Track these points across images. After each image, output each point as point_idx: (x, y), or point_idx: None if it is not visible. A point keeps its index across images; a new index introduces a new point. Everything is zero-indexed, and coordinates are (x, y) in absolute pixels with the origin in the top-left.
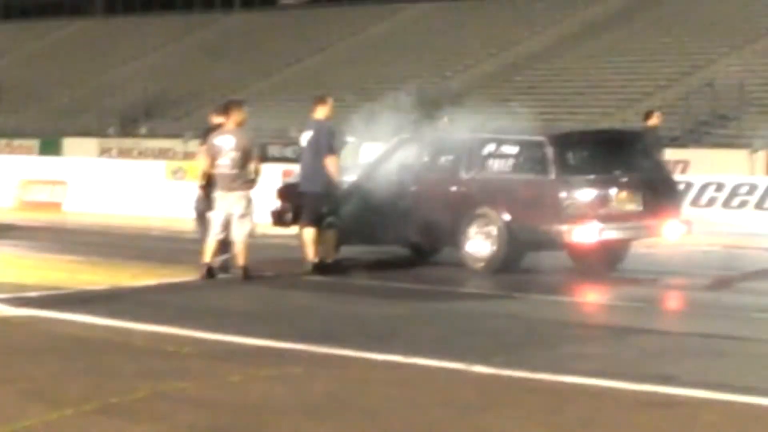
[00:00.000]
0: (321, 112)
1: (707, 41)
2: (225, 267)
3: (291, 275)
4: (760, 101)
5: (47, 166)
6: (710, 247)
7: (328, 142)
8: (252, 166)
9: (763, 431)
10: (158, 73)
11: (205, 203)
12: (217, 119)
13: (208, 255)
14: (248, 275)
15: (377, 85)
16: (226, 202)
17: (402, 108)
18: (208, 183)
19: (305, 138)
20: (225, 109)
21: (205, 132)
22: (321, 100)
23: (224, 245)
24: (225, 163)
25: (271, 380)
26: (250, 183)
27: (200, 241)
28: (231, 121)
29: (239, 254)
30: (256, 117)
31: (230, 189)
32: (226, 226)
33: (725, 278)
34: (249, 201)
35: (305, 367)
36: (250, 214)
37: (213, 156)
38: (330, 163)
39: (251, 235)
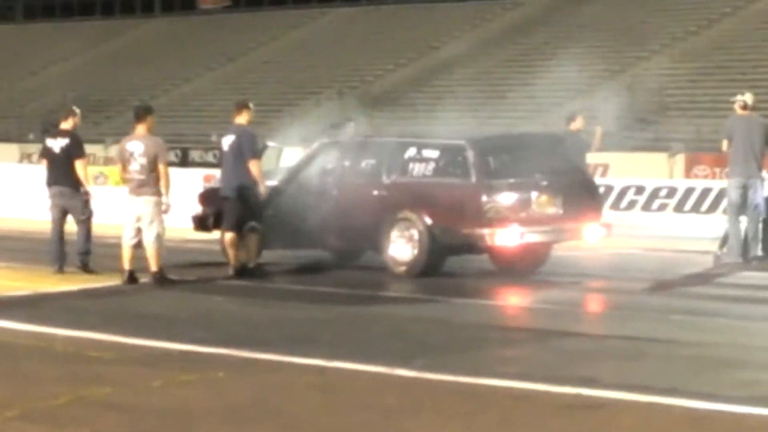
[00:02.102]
0: (243, 117)
1: (626, 46)
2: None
3: (213, 280)
4: (679, 105)
5: None
6: (630, 250)
7: (250, 147)
8: (162, 171)
9: (684, 430)
10: (79, 78)
11: None
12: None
13: (126, 261)
14: (162, 280)
15: (297, 89)
16: (135, 206)
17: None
18: None
19: (227, 142)
20: (135, 116)
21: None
22: (243, 105)
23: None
24: (134, 169)
25: (193, 385)
26: (158, 188)
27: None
28: (141, 127)
29: (151, 259)
30: (176, 122)
31: (139, 194)
32: (139, 230)
33: (652, 281)
34: (157, 205)
35: (227, 372)
36: (159, 219)
37: (124, 161)
38: (253, 167)
39: (160, 238)
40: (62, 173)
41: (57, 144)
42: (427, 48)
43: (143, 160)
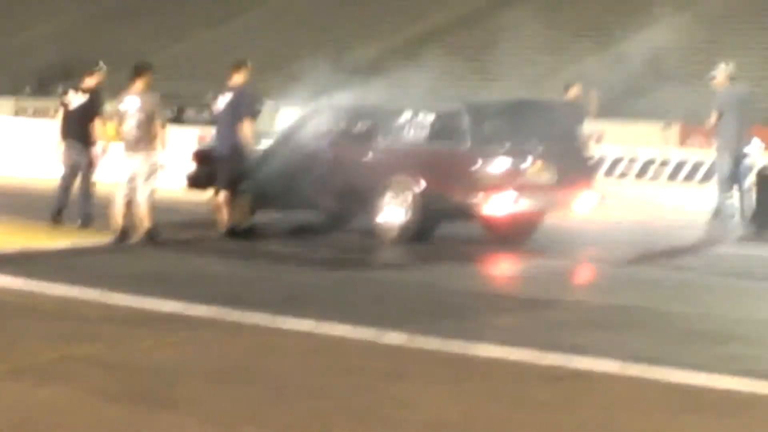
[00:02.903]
0: (240, 77)
1: (623, 14)
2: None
3: (204, 240)
4: (675, 75)
5: None
6: (622, 220)
7: (247, 107)
8: (157, 128)
9: (668, 403)
10: (72, 35)
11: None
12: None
13: (119, 218)
14: (154, 238)
15: (296, 49)
16: (131, 164)
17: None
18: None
19: (222, 102)
20: (134, 72)
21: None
22: (240, 64)
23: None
24: (130, 125)
25: (182, 345)
26: (154, 145)
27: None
28: (139, 83)
29: (144, 216)
30: (172, 80)
31: (135, 151)
32: (133, 188)
33: (643, 251)
34: (153, 163)
35: (216, 333)
36: (154, 177)
37: (119, 118)
38: (247, 127)
39: (154, 196)
40: (75, 128)
41: (77, 99)
42: (424, 12)
43: (140, 116)
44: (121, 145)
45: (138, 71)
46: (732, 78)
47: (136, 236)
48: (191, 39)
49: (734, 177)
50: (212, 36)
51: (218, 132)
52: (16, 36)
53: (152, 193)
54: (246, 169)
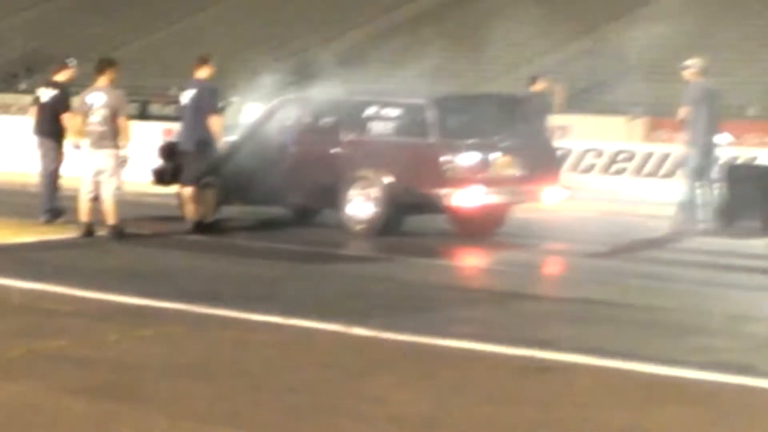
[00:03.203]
0: (203, 72)
1: (589, 9)
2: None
3: (171, 234)
4: (639, 69)
5: None
6: (588, 213)
7: (210, 102)
8: (121, 123)
9: (637, 395)
10: (38, 29)
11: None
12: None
13: (84, 213)
14: (119, 234)
15: (259, 44)
16: (95, 159)
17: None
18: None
19: (187, 96)
20: (98, 67)
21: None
22: (203, 59)
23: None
24: (95, 120)
25: (149, 340)
26: (118, 141)
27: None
28: (103, 79)
29: (109, 212)
30: (137, 75)
31: (99, 146)
32: (98, 183)
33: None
34: (117, 159)
35: (184, 327)
36: (118, 172)
37: (84, 113)
38: (213, 122)
39: (118, 192)
40: (45, 124)
41: (47, 94)
42: (389, 6)
43: (105, 112)
44: (86, 140)
45: (102, 67)
46: (704, 72)
47: (102, 231)
48: (156, 33)
49: (702, 170)
50: (177, 30)
51: (183, 127)
52: None
53: (118, 188)
54: (212, 164)
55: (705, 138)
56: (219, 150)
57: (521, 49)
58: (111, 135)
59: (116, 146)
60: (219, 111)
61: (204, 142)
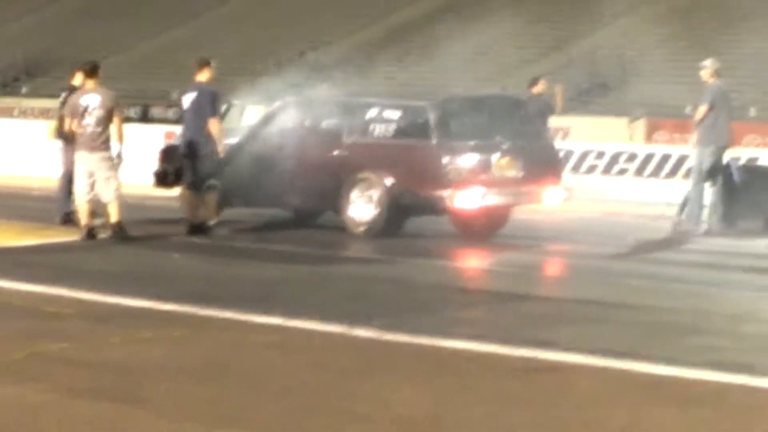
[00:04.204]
0: (204, 75)
1: (588, 10)
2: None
3: (172, 237)
4: (640, 70)
5: None
6: (590, 215)
7: (211, 105)
8: (116, 124)
9: (639, 396)
10: (40, 33)
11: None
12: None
13: (84, 216)
14: (122, 233)
15: (259, 48)
16: (88, 162)
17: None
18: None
19: (187, 100)
20: (87, 72)
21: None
22: (204, 62)
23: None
24: (89, 122)
25: (150, 342)
26: (110, 143)
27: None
28: (90, 82)
29: (112, 212)
30: (137, 78)
31: (92, 149)
32: (92, 186)
33: (611, 245)
34: (111, 160)
35: (185, 330)
36: (115, 173)
37: (77, 115)
38: (213, 125)
39: (119, 192)
40: (61, 129)
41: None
42: (387, 10)
43: (100, 113)
44: (80, 141)
45: (91, 71)
46: (718, 74)
47: (103, 233)
48: (158, 37)
49: (712, 171)
50: (179, 34)
51: (184, 130)
52: None
53: (117, 188)
54: (213, 167)
55: (722, 139)
56: (220, 153)
57: (521, 51)
58: (105, 136)
59: (109, 148)
60: (219, 114)
61: (204, 145)
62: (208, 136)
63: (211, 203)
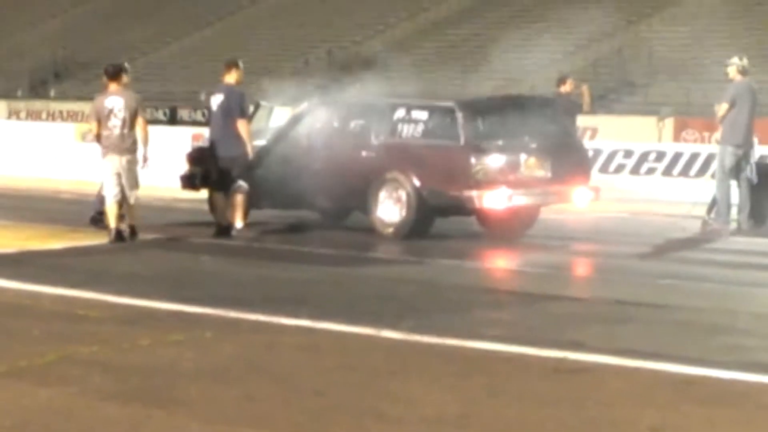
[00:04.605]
0: (232, 76)
1: (617, 9)
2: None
3: (200, 239)
4: (668, 69)
5: None
6: (618, 214)
7: (239, 107)
8: (140, 125)
9: (668, 396)
10: (68, 36)
11: None
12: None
13: (112, 219)
14: (135, 233)
15: (287, 49)
16: (115, 164)
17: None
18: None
19: (215, 102)
20: (110, 75)
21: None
22: (232, 64)
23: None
24: (115, 124)
25: (180, 344)
26: (137, 144)
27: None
28: (114, 85)
29: (129, 214)
30: (166, 80)
31: (120, 152)
32: (121, 187)
33: (640, 245)
34: (136, 163)
35: (215, 332)
36: (138, 175)
37: (101, 118)
38: (242, 127)
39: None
40: None
41: None
42: (418, 9)
43: (125, 114)
44: (108, 144)
45: (115, 73)
46: (745, 71)
47: (130, 235)
48: (184, 39)
49: (736, 170)
50: (206, 36)
51: (212, 132)
52: (8, 38)
53: (137, 191)
54: (241, 169)
55: (744, 137)
56: (248, 154)
57: (549, 50)
58: (131, 138)
59: (135, 150)
60: (247, 115)
61: (233, 146)
62: (237, 138)
63: (240, 205)
